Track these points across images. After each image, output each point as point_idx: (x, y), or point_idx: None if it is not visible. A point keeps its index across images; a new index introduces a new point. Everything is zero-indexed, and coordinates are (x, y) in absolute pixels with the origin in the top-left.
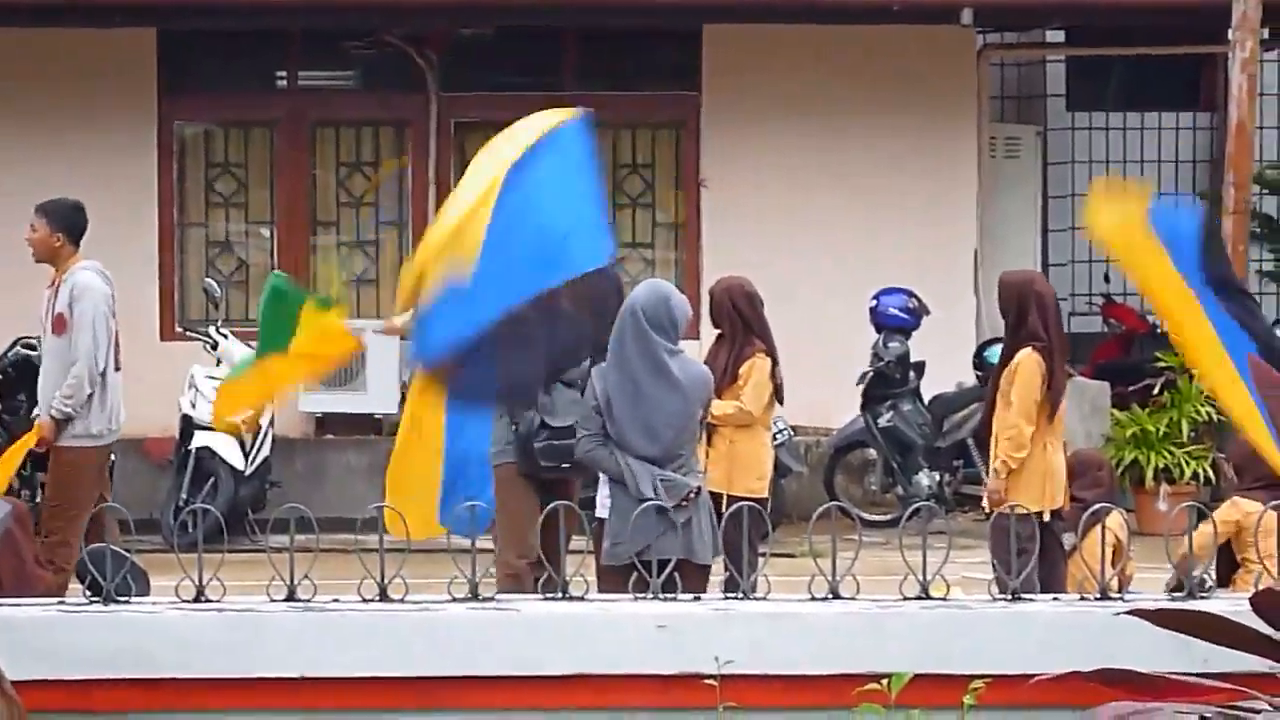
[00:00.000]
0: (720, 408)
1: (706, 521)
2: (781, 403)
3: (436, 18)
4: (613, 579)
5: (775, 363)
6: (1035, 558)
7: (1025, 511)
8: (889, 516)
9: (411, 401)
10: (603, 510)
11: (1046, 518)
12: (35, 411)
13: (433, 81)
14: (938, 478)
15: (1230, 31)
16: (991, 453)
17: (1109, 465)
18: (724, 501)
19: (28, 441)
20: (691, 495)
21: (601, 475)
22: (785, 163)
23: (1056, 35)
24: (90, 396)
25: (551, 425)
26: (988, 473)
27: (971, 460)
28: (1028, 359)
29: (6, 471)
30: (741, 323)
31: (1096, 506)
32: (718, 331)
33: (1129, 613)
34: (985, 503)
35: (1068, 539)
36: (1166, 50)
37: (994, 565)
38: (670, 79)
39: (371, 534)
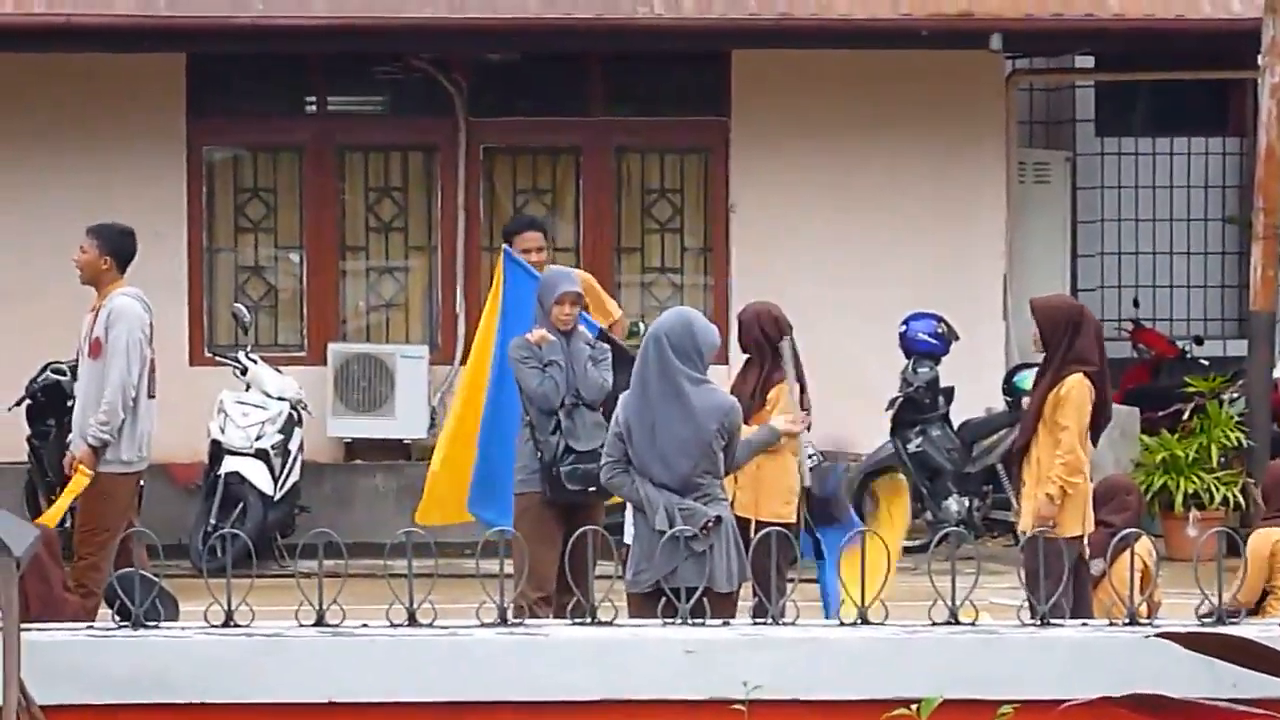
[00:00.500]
0: (747, 432)
1: (730, 549)
2: (809, 428)
3: (464, 43)
4: (640, 604)
5: (804, 389)
6: (1066, 583)
7: (1071, 536)
8: (918, 542)
9: (459, 396)
10: (629, 536)
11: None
12: (69, 439)
13: (461, 106)
14: (967, 503)
15: (1260, 56)
16: (1031, 477)
17: (1137, 490)
18: (752, 526)
19: (76, 487)
20: (710, 524)
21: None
22: (814, 188)
23: (1085, 60)
24: (122, 423)
25: (576, 449)
26: (1017, 498)
27: (1001, 485)
28: (1079, 384)
29: (57, 514)
30: (770, 348)
31: (1125, 532)
32: (746, 356)
33: (1159, 635)
34: (1032, 528)
35: (1096, 565)
36: (1196, 75)
37: (1027, 590)
38: (699, 104)
39: (400, 559)
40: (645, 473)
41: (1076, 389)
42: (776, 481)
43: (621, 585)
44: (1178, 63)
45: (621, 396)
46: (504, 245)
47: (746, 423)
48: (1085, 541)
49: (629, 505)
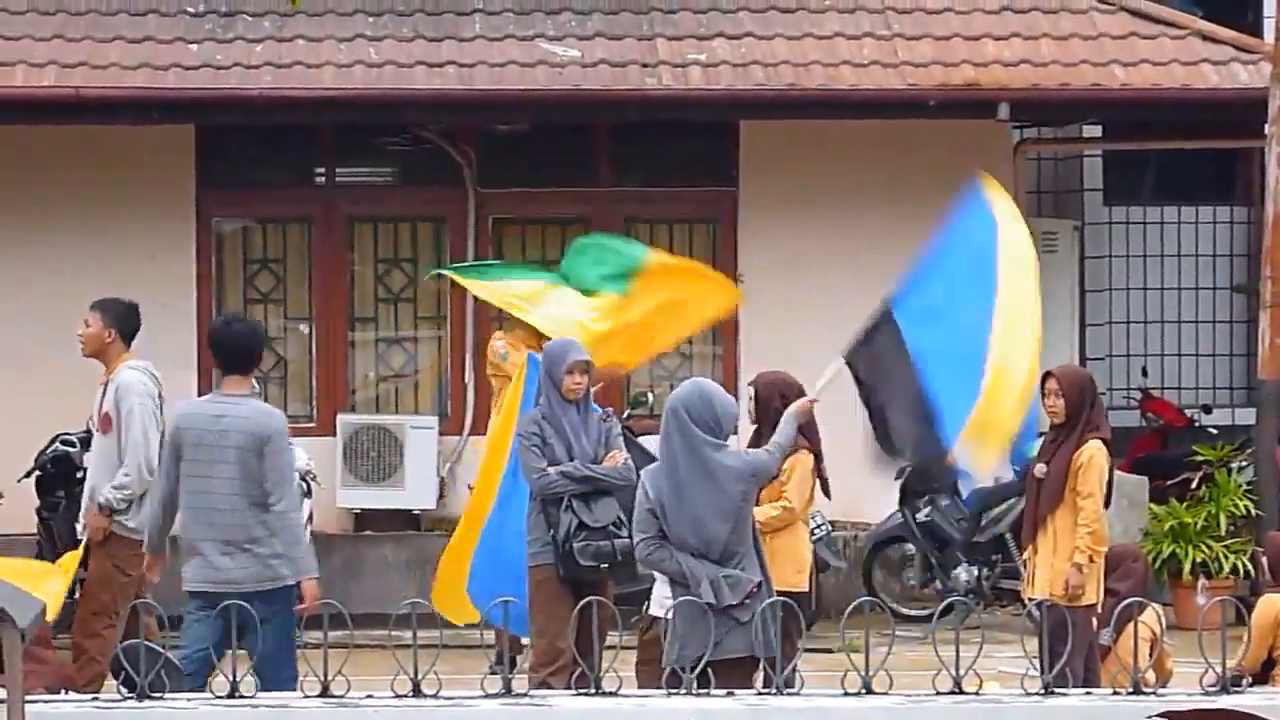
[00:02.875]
0: (764, 513)
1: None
2: (829, 497)
3: (473, 114)
4: (672, 679)
5: (819, 458)
6: (1071, 651)
7: (1089, 604)
8: (928, 611)
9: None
10: (659, 609)
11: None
12: (81, 511)
13: (470, 177)
14: (976, 572)
15: (1266, 125)
16: (1047, 546)
17: (1143, 557)
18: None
19: (76, 556)
20: (754, 590)
21: (659, 574)
22: (822, 257)
23: (1093, 129)
24: (140, 495)
25: (590, 525)
26: (1026, 568)
27: (1010, 555)
28: (1099, 452)
29: (67, 581)
30: (769, 419)
31: (1128, 601)
32: (754, 426)
33: (1161, 715)
34: (1065, 598)
35: (1104, 635)
36: (1203, 144)
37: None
38: (707, 174)
39: (406, 629)
40: (681, 545)
41: (1097, 457)
42: (789, 550)
43: (626, 655)
44: (1185, 132)
45: (646, 472)
46: (529, 351)
47: (758, 503)
48: (1098, 609)
49: (659, 578)
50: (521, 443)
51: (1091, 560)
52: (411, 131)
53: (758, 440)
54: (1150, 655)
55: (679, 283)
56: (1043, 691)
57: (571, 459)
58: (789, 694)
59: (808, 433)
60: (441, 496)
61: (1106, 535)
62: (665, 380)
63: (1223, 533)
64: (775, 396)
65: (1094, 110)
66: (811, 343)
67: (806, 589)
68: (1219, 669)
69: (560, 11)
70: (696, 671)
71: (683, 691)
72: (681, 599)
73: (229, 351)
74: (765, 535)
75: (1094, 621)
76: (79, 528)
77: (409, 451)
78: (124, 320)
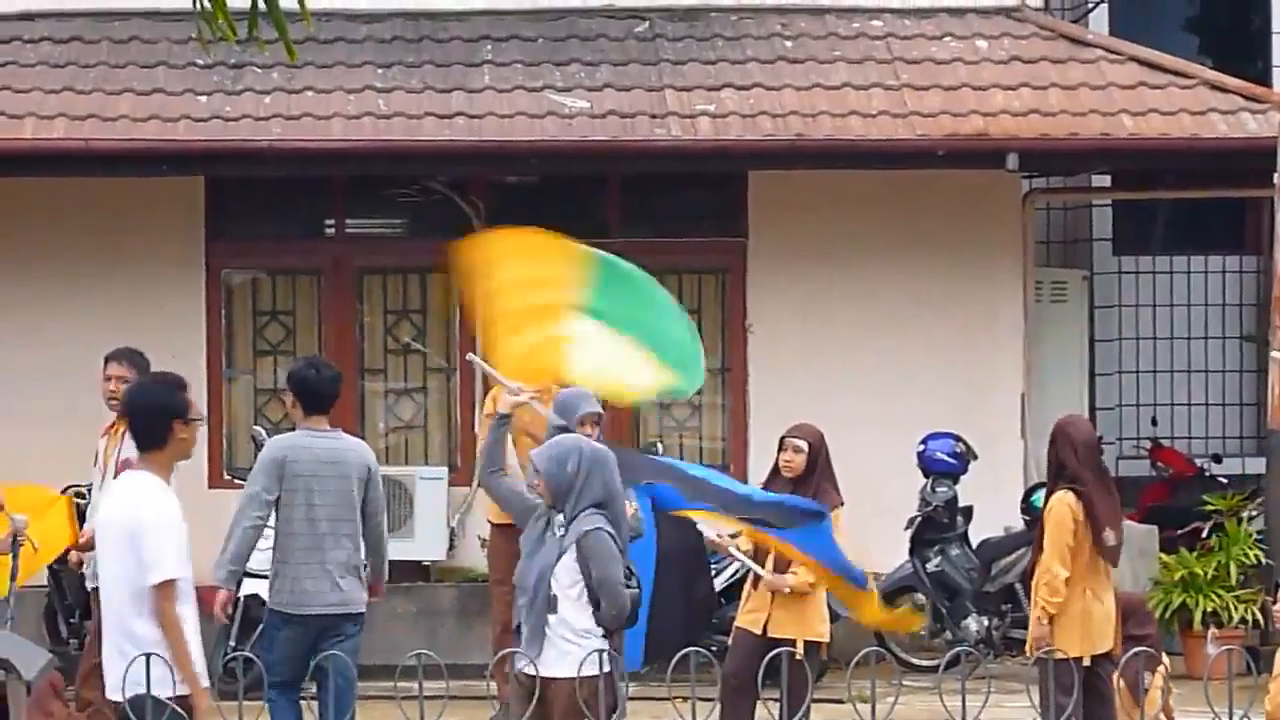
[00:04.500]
0: (798, 581)
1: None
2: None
3: (482, 166)
4: None
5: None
6: (1076, 702)
7: (1064, 657)
8: (937, 661)
9: None
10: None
11: (1087, 662)
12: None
13: (479, 229)
14: (986, 622)
15: (1276, 174)
16: (1031, 599)
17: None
18: (800, 645)
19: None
20: None
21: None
22: (831, 307)
23: (1102, 179)
24: None
25: None
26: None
27: (1020, 605)
28: (1058, 502)
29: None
30: (817, 471)
31: (1132, 652)
32: (796, 476)
33: None
34: (1030, 649)
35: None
36: (1212, 194)
37: (1040, 710)
38: (716, 224)
39: (413, 680)
40: None
41: (1056, 507)
42: (818, 601)
43: (635, 706)
44: (1194, 181)
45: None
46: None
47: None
48: (1110, 659)
49: None
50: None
51: (1047, 612)
52: (421, 183)
53: (800, 488)
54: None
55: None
56: None
57: None
58: None
59: (836, 486)
60: (451, 547)
61: (1060, 587)
62: (675, 430)
63: (1233, 582)
64: (823, 450)
65: (1103, 160)
66: (820, 393)
67: (829, 639)
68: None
69: (569, 62)
70: None
71: None
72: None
73: (319, 393)
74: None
75: (1081, 673)
76: (87, 576)
77: (419, 502)
78: (146, 369)
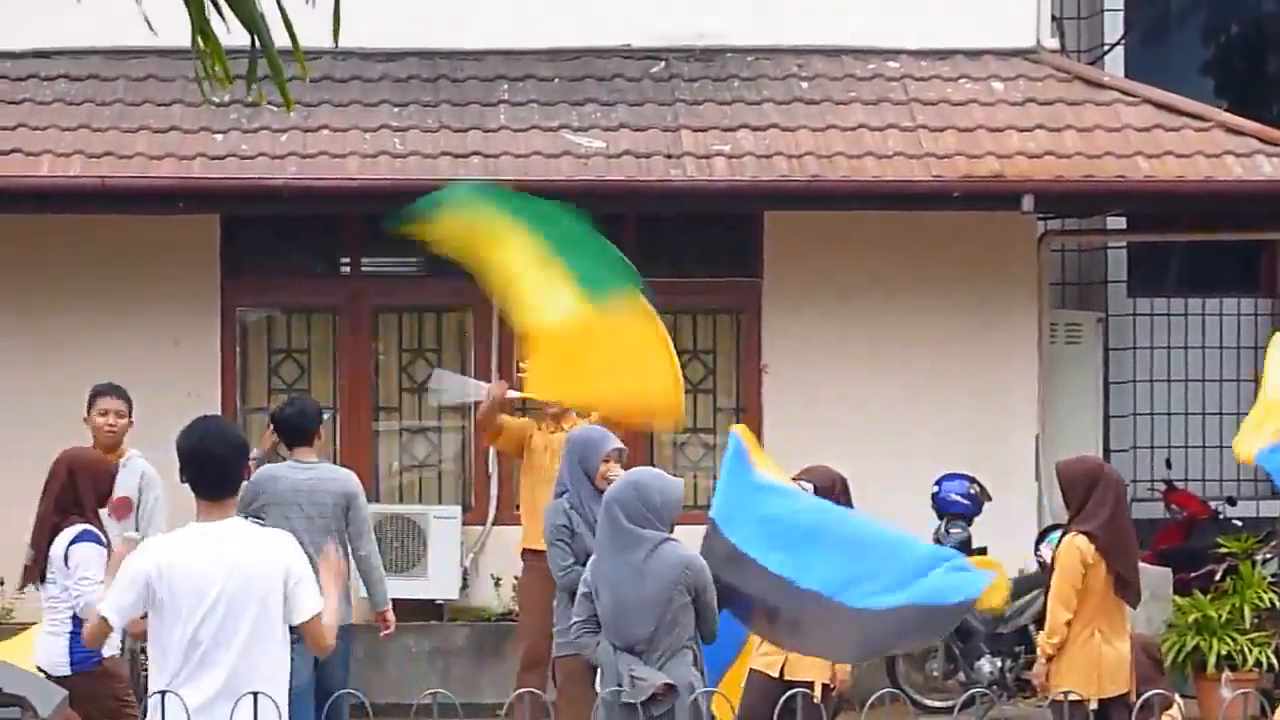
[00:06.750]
0: None
1: (692, 715)
2: None
3: None
4: None
5: None
6: None
7: (1078, 699)
8: (952, 702)
9: None
10: None
11: (1094, 705)
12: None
13: None
14: (999, 664)
15: None
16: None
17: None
18: (817, 688)
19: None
20: (660, 693)
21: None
22: (846, 347)
23: (1117, 221)
24: None
25: None
26: None
27: (1034, 646)
28: (1067, 544)
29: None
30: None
31: (1150, 694)
32: None
33: None
34: (1038, 688)
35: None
36: (1227, 236)
37: None
38: (731, 265)
39: (427, 719)
40: (609, 634)
41: (1064, 549)
42: None
43: None
44: (1209, 223)
45: (591, 560)
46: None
47: None
48: (1126, 703)
49: None
50: (548, 536)
51: (1048, 654)
52: None
53: None
54: None
55: (642, 352)
56: None
57: None
58: None
59: None
60: (465, 586)
61: (1059, 629)
62: (690, 470)
63: (1247, 625)
64: (840, 493)
65: (1118, 201)
66: (835, 434)
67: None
68: None
69: (585, 102)
70: None
71: None
72: (606, 690)
73: (294, 427)
74: None
75: (1085, 715)
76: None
77: (432, 541)
78: (130, 405)
